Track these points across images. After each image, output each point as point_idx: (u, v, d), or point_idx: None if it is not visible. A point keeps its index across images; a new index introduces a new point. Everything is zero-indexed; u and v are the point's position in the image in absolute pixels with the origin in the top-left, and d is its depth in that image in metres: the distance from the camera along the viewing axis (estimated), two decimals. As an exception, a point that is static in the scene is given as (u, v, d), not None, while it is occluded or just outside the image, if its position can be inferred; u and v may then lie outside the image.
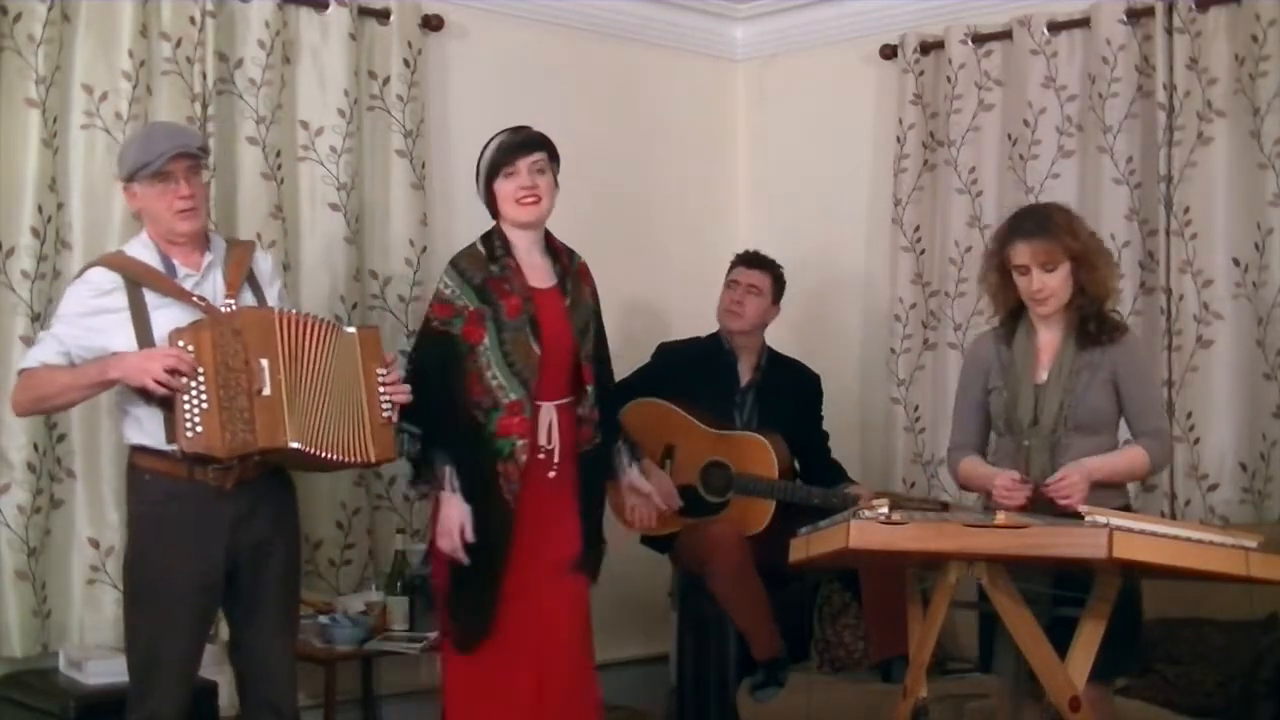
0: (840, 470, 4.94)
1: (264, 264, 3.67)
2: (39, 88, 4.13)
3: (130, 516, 3.60)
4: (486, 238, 3.93)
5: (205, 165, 3.62)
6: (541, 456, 3.86)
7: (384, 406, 3.53)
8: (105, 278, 3.43)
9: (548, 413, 3.87)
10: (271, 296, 3.61)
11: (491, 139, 3.93)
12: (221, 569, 3.49)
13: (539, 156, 3.89)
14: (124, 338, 3.38)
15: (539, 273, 3.93)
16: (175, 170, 3.43)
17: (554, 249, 3.98)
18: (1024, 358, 3.64)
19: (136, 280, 3.42)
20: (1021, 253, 3.57)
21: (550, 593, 3.88)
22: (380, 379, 3.54)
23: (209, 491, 3.42)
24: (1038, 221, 3.60)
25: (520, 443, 3.80)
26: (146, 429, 3.42)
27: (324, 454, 3.41)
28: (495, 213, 3.94)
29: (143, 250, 3.49)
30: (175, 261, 3.48)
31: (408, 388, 3.61)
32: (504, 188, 3.88)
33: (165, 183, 3.42)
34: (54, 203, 4.18)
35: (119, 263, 3.47)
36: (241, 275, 3.55)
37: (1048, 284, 3.56)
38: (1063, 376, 3.57)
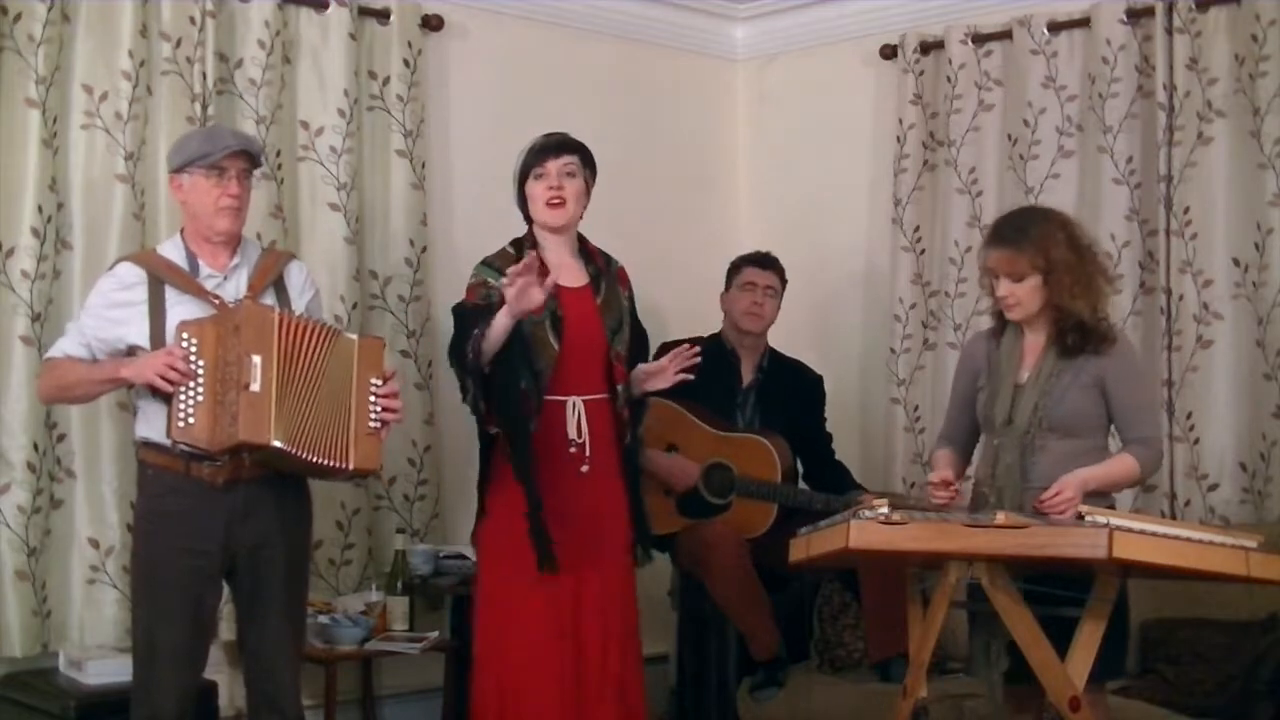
0: (845, 472, 4.93)
1: (298, 276, 3.70)
2: (39, 88, 4.12)
3: (136, 510, 3.68)
4: (517, 241, 3.99)
5: (253, 175, 3.66)
6: (573, 450, 3.88)
7: (372, 416, 3.52)
8: (130, 273, 3.53)
9: (575, 407, 3.88)
10: (299, 307, 3.63)
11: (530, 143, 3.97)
12: (217, 563, 3.52)
13: (569, 160, 3.93)
14: (140, 330, 3.47)
15: (570, 273, 3.96)
16: (230, 168, 3.51)
17: (588, 251, 4.02)
18: (1009, 358, 3.65)
19: (159, 277, 3.51)
20: (989, 258, 3.60)
21: (580, 579, 3.88)
22: (373, 389, 3.53)
23: (204, 487, 3.47)
24: (1012, 229, 3.59)
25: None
26: (153, 424, 3.48)
27: (307, 456, 3.41)
28: (529, 217, 3.98)
29: (171, 249, 3.60)
30: (201, 261, 3.55)
31: (401, 404, 3.61)
32: (534, 189, 3.94)
33: (219, 177, 3.51)
34: (54, 203, 4.18)
35: (145, 259, 3.60)
36: (266, 281, 3.59)
37: (1014, 292, 3.56)
38: (1041, 378, 3.57)
